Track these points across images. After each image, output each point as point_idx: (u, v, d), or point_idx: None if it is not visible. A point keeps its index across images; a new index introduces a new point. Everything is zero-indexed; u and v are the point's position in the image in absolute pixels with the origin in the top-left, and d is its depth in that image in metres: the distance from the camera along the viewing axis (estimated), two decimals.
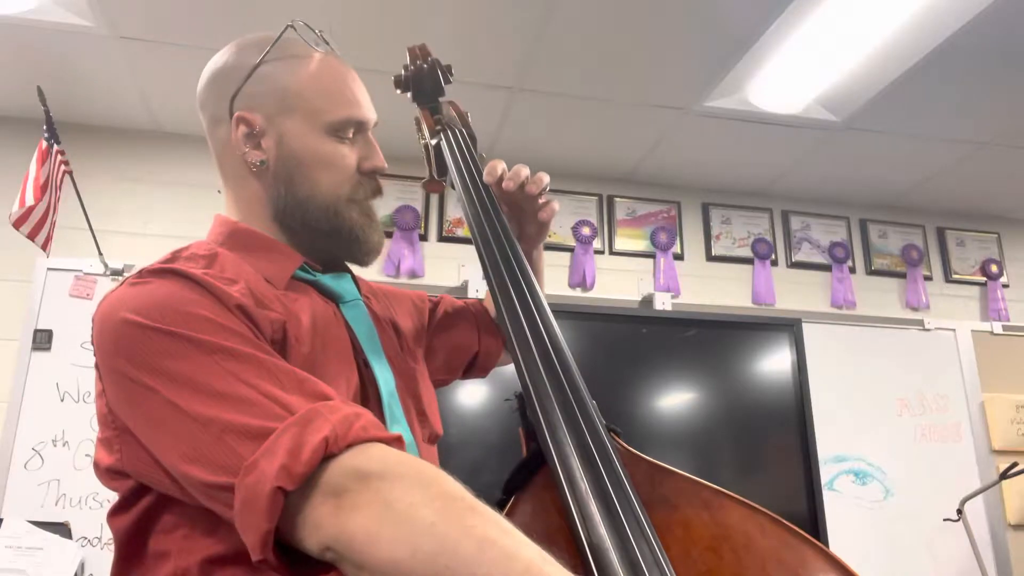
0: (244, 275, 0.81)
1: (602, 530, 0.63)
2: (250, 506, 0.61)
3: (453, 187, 1.02)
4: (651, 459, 0.74)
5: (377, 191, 0.93)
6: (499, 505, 0.71)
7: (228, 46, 0.93)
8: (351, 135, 0.90)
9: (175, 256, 0.82)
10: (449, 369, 1.12)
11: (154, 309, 0.70)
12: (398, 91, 1.13)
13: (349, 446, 0.62)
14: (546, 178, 0.99)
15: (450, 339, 1.10)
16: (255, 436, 0.63)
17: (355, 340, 0.87)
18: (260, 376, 0.67)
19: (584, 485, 0.67)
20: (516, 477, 0.72)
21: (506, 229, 0.93)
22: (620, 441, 0.76)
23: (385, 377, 0.86)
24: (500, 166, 0.97)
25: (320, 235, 0.89)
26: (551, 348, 0.80)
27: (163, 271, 0.75)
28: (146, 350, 0.69)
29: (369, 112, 0.92)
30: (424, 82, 1.10)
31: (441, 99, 1.12)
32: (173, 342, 0.68)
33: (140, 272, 0.77)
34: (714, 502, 0.69)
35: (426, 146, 1.09)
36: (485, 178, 0.96)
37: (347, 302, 0.91)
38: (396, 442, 0.66)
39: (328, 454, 0.61)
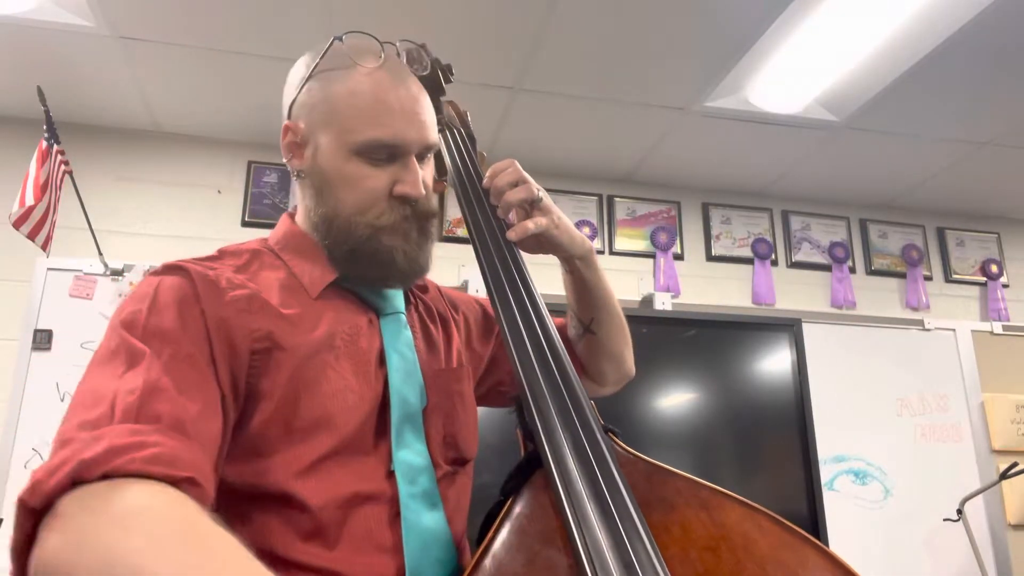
0: (267, 280, 0.84)
1: (597, 532, 0.63)
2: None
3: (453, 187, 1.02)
4: (649, 459, 0.74)
5: (412, 217, 0.88)
6: (497, 506, 0.70)
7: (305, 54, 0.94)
8: (383, 157, 0.86)
9: (223, 252, 0.88)
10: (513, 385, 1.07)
11: (132, 304, 0.76)
12: None
13: (106, 475, 0.59)
14: (508, 177, 0.93)
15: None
16: (63, 442, 0.63)
17: (383, 354, 0.85)
18: (134, 377, 0.68)
19: (580, 487, 0.66)
20: (513, 479, 0.72)
21: (503, 230, 0.92)
22: (618, 442, 0.76)
23: (404, 397, 0.84)
24: (499, 180, 0.95)
25: (344, 252, 0.88)
26: (548, 350, 0.80)
27: (173, 267, 0.79)
28: (100, 345, 0.74)
29: (406, 134, 0.86)
30: (423, 83, 1.10)
31: (442, 99, 1.11)
32: (111, 337, 0.73)
33: (162, 265, 0.81)
34: (712, 502, 0.69)
35: None
36: (484, 183, 0.95)
37: (387, 315, 0.89)
38: (185, 483, 0.62)
39: (78, 478, 0.59)
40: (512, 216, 0.95)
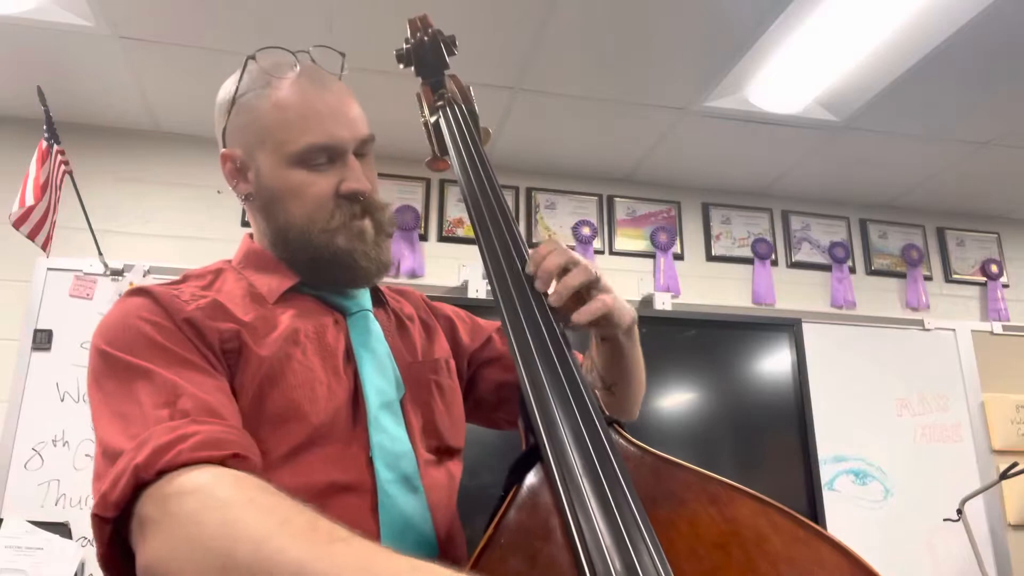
0: (229, 292, 0.86)
1: (599, 531, 0.61)
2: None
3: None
4: (656, 452, 0.71)
5: (363, 213, 0.89)
6: (499, 501, 0.68)
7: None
8: (323, 161, 0.87)
9: (187, 276, 0.90)
10: (498, 404, 1.05)
11: (108, 331, 0.78)
12: (400, 66, 1.09)
13: (161, 472, 0.64)
14: (557, 259, 0.81)
15: (492, 375, 1.05)
16: (113, 457, 0.67)
17: (351, 350, 0.87)
18: (150, 392, 0.72)
19: (581, 482, 0.64)
20: (514, 473, 0.70)
21: (504, 211, 0.90)
22: (623, 434, 0.72)
23: (379, 387, 0.85)
24: (548, 263, 0.81)
25: (305, 263, 0.89)
26: (548, 337, 0.76)
27: (137, 290, 0.83)
28: (93, 371, 0.77)
29: (338, 134, 0.87)
30: (425, 55, 1.06)
31: (446, 72, 1.08)
32: (108, 363, 0.76)
33: (127, 290, 0.85)
34: (723, 496, 0.65)
35: (425, 123, 1.05)
36: (529, 268, 0.83)
37: (353, 314, 0.91)
38: (232, 459, 0.67)
39: (139, 482, 0.64)
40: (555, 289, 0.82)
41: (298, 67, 0.89)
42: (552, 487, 0.65)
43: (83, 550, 2.07)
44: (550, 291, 0.81)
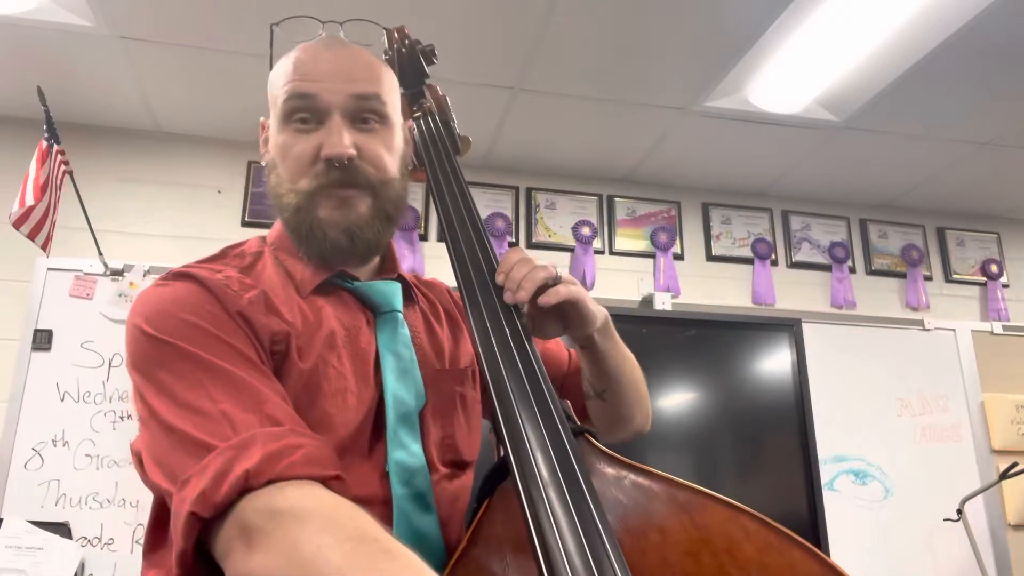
0: (270, 280, 0.83)
1: (560, 546, 0.59)
2: (175, 521, 0.63)
3: None
4: (626, 460, 0.70)
5: (350, 184, 0.83)
6: (472, 513, 0.68)
7: None
8: (309, 119, 0.83)
9: (226, 252, 0.87)
10: None
11: (157, 316, 0.74)
12: None
13: (270, 481, 0.62)
14: (524, 267, 0.81)
15: None
16: (199, 451, 0.65)
17: (378, 355, 0.84)
18: (226, 391, 0.69)
19: (544, 495, 0.62)
20: (486, 485, 0.69)
21: (475, 223, 0.88)
22: (594, 442, 0.72)
23: (400, 398, 0.82)
24: (515, 273, 0.80)
25: (290, 230, 0.86)
26: (516, 350, 0.75)
27: (182, 274, 0.79)
28: (143, 356, 0.73)
29: (322, 84, 0.82)
30: (403, 67, 1.06)
31: (426, 82, 1.07)
32: (163, 351, 0.72)
33: (167, 273, 0.80)
34: (693, 503, 0.65)
35: None
36: (497, 278, 0.82)
37: (383, 314, 0.87)
38: (334, 480, 0.65)
39: (247, 487, 0.61)
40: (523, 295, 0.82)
41: (323, 34, 0.87)
42: (519, 501, 0.64)
43: (83, 550, 2.07)
44: (518, 295, 0.80)
